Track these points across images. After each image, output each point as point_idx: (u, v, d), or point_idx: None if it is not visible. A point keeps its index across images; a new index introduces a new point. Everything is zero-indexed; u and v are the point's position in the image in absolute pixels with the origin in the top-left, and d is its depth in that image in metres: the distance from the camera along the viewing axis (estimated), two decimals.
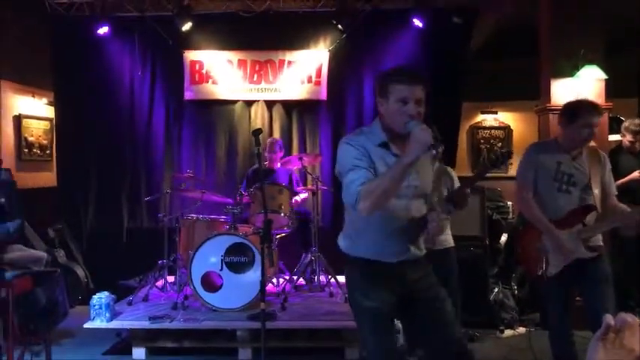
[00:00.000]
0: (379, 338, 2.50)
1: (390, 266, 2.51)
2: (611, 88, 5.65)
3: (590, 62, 5.37)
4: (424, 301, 2.55)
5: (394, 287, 2.52)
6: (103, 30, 6.30)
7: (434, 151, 2.24)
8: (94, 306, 4.59)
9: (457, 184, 4.42)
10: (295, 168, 5.99)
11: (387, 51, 6.36)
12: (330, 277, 5.46)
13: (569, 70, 5.48)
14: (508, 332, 5.29)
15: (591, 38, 5.46)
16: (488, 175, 3.82)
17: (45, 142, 7.21)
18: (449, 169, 4.58)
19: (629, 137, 5.42)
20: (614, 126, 6.52)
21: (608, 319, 1.08)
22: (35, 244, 5.69)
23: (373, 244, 2.53)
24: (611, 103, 5.59)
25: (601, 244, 3.41)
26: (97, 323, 4.56)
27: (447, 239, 4.45)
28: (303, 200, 5.90)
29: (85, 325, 4.58)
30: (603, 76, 5.44)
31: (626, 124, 5.51)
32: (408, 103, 2.47)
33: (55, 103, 6.77)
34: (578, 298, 3.53)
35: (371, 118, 6.44)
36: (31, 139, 6.96)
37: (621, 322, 1.08)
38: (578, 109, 3.35)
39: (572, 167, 3.39)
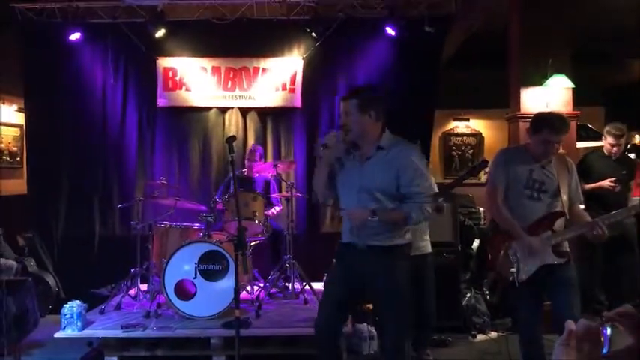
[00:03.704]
0: None
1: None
2: (579, 97, 5.79)
3: (558, 71, 5.50)
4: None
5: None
6: (75, 36, 6.24)
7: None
8: (66, 315, 4.52)
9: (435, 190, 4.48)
10: (270, 175, 6.00)
11: (361, 59, 6.42)
12: (304, 283, 5.47)
13: (538, 79, 5.61)
14: (480, 337, 5.36)
15: (559, 48, 5.60)
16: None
17: (15, 149, 7.11)
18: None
19: (610, 140, 5.41)
20: (582, 134, 6.67)
21: (569, 324, 1.13)
22: (5, 252, 5.60)
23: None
24: (578, 112, 5.73)
25: (568, 249, 3.49)
26: (69, 332, 4.50)
27: (425, 245, 4.52)
28: (277, 214, 5.90)
29: (56, 335, 4.51)
30: (571, 85, 5.58)
31: (607, 127, 5.51)
32: (342, 116, 3.20)
33: (26, 110, 6.67)
34: (547, 302, 3.60)
35: None
36: (1, 146, 6.85)
37: (582, 327, 1.12)
38: (542, 124, 3.40)
39: (542, 175, 3.46)
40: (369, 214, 3.07)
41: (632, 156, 6.33)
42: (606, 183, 5.31)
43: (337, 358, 3.45)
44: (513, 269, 3.44)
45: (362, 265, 3.20)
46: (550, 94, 5.61)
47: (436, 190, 3.29)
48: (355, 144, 3.23)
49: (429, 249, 4.55)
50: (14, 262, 5.22)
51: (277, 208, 5.89)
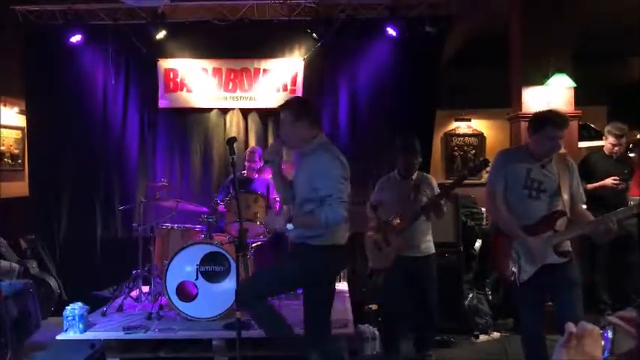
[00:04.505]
0: None
1: None
2: (581, 96, 5.77)
3: (560, 71, 5.48)
4: None
5: None
6: (76, 38, 6.25)
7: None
8: (67, 317, 4.53)
9: (437, 192, 4.49)
10: (271, 176, 5.99)
11: (362, 59, 6.42)
12: None
13: (540, 79, 5.59)
14: (483, 337, 5.35)
15: (560, 48, 5.59)
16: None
17: (16, 151, 7.11)
18: (430, 177, 4.63)
19: (611, 140, 5.42)
20: (584, 133, 6.65)
21: (570, 326, 1.12)
22: (7, 255, 5.60)
23: None
24: (580, 111, 5.71)
25: (570, 249, 3.48)
26: (71, 334, 4.50)
27: (428, 246, 4.52)
28: None
29: (58, 337, 4.51)
30: (572, 84, 5.57)
31: (608, 127, 5.51)
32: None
33: (27, 112, 6.68)
34: (549, 303, 3.58)
35: (345, 126, 6.55)
36: (2, 148, 6.86)
37: (582, 330, 1.12)
38: (544, 121, 3.40)
39: (541, 174, 3.45)
40: (284, 223, 3.26)
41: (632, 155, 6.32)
42: (609, 181, 5.30)
43: None
44: (515, 269, 3.43)
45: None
46: (552, 94, 5.59)
47: (345, 193, 3.38)
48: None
49: (432, 250, 4.54)
50: (16, 265, 5.22)
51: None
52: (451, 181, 5.52)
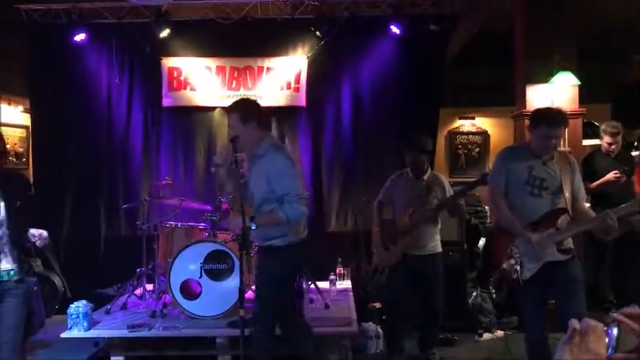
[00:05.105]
0: None
1: None
2: (585, 94, 5.76)
3: (564, 69, 5.47)
4: None
5: None
6: (80, 37, 6.25)
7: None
8: (72, 315, 4.54)
9: (450, 192, 4.48)
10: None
11: (365, 58, 6.41)
12: (309, 283, 5.46)
13: (544, 77, 5.58)
14: (486, 336, 5.35)
15: (565, 45, 5.58)
16: (465, 179, 3.86)
17: (21, 149, 7.14)
18: (442, 178, 4.63)
19: (606, 139, 5.45)
20: (588, 131, 6.63)
21: (574, 323, 1.12)
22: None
23: None
24: (584, 109, 5.70)
25: (572, 246, 3.47)
26: (75, 333, 4.52)
27: (435, 245, 4.51)
28: None
29: (62, 335, 4.53)
30: (577, 82, 5.56)
31: (603, 126, 5.56)
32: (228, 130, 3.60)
33: (31, 111, 6.69)
34: (552, 301, 3.57)
35: (349, 124, 6.55)
36: (6, 146, 6.87)
37: (586, 327, 1.11)
38: (541, 119, 3.40)
39: (543, 171, 3.44)
40: (247, 221, 3.29)
41: (634, 153, 6.32)
42: (611, 175, 5.31)
43: None
44: (517, 267, 3.42)
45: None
46: (556, 92, 5.58)
47: (302, 189, 3.56)
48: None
49: (439, 249, 4.54)
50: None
51: None
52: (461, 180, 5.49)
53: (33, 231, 3.37)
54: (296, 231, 3.58)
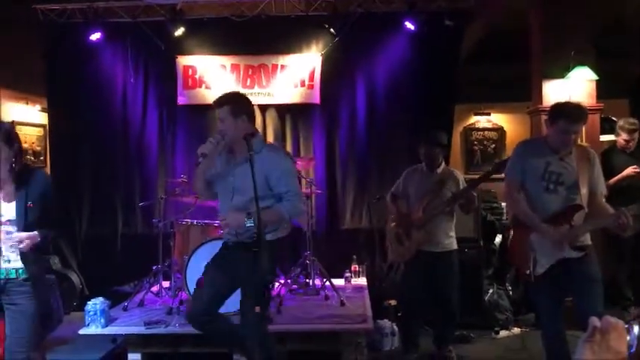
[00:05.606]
0: None
1: None
2: (602, 89, 5.69)
3: (581, 64, 5.42)
4: None
5: None
6: (96, 36, 6.30)
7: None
8: (89, 312, 4.58)
9: (464, 186, 4.45)
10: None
11: (380, 54, 6.39)
12: (325, 280, 5.47)
13: (561, 72, 5.52)
14: (503, 333, 5.31)
15: (582, 40, 5.52)
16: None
17: (38, 148, 7.21)
18: (456, 172, 4.61)
19: (624, 136, 5.43)
20: (606, 126, 6.56)
21: (594, 321, 1.10)
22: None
23: None
24: (602, 104, 5.63)
25: (589, 243, 3.42)
26: (92, 329, 4.55)
27: (450, 242, 4.49)
28: None
29: (80, 332, 4.57)
30: (594, 77, 5.49)
31: (620, 122, 5.52)
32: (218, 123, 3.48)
33: (49, 110, 6.76)
34: (569, 299, 3.54)
35: (364, 121, 6.54)
36: (24, 145, 6.94)
37: (606, 324, 1.09)
38: (559, 114, 3.35)
39: (560, 166, 3.39)
40: (245, 217, 3.24)
41: None
42: (630, 170, 5.27)
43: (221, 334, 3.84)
44: (530, 263, 3.39)
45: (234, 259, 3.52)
46: (573, 87, 5.52)
47: (300, 186, 3.60)
48: (231, 149, 3.50)
49: (454, 246, 4.51)
50: None
51: None
52: (473, 177, 5.45)
53: (15, 235, 3.13)
54: (287, 227, 3.57)
